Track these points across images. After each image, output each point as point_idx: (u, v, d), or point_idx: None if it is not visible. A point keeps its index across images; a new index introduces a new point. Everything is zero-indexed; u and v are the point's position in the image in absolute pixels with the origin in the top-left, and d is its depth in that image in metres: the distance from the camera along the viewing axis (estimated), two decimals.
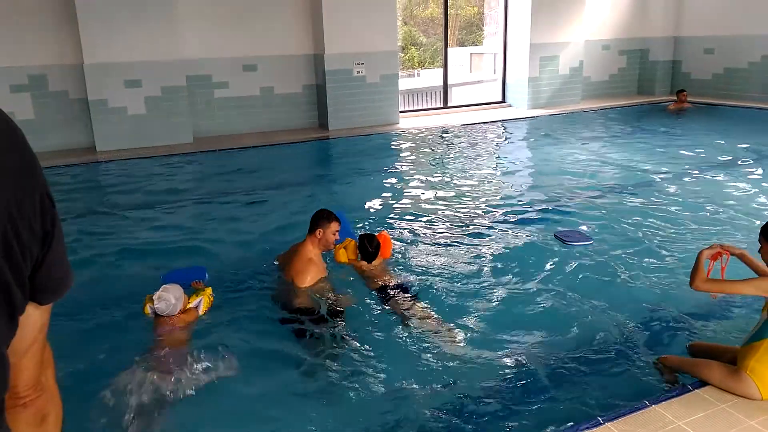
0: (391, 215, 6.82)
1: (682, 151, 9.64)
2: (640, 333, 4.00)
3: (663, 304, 4.43)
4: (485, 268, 5.13)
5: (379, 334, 4.11)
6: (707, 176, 8.11)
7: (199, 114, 11.09)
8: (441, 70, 14.43)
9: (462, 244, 5.78)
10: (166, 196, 7.85)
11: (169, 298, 3.99)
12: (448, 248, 5.67)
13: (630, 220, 6.27)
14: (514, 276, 4.95)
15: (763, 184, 7.58)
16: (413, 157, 10.06)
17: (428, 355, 3.83)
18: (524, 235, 5.95)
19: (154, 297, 3.99)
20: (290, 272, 4.47)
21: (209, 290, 4.29)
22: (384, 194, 7.75)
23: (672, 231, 5.97)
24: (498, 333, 4.07)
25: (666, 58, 15.60)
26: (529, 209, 6.85)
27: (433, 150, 10.66)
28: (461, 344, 3.92)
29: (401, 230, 6.25)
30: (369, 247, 4.70)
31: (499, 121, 12.89)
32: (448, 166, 9.29)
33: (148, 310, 4.02)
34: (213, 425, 3.33)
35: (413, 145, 10.99)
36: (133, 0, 9.86)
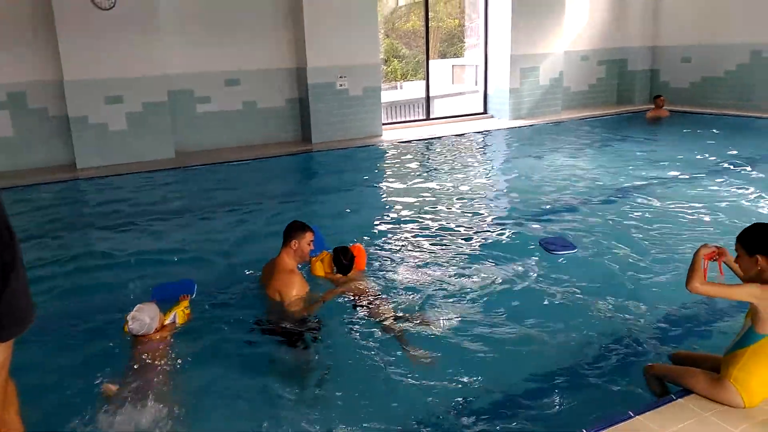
0: (375, 226, 6.82)
1: (663, 159, 9.75)
2: (624, 342, 4.03)
3: (647, 312, 4.46)
4: (468, 279, 5.14)
5: (357, 344, 4.11)
6: (687, 183, 8.22)
7: (181, 129, 11.03)
8: (423, 82, 14.51)
9: (446, 254, 5.79)
10: (149, 212, 7.78)
11: (143, 318, 3.96)
12: (432, 259, 5.68)
13: (613, 228, 6.33)
14: (497, 286, 4.96)
15: (743, 190, 7.70)
16: (396, 169, 10.08)
17: (405, 366, 3.83)
18: (508, 245, 5.98)
19: (128, 317, 3.95)
20: (275, 287, 4.43)
21: (185, 303, 4.25)
22: (367, 206, 7.75)
23: (655, 238, 6.04)
24: (477, 345, 4.06)
25: (644, 67, 15.83)
26: (513, 219, 6.89)
27: (416, 162, 10.69)
28: (428, 361, 3.90)
29: (385, 241, 6.25)
30: (343, 259, 4.74)
31: (481, 132, 12.98)
32: (431, 178, 9.32)
33: (127, 329, 3.98)
34: None
35: (396, 157, 11.02)
36: (113, 16, 9.81)
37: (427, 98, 14.44)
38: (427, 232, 6.53)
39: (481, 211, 7.41)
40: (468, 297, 4.80)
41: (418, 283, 5.07)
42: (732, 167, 9.02)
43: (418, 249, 6.03)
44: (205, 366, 3.91)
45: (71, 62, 9.73)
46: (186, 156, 10.82)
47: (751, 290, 2.98)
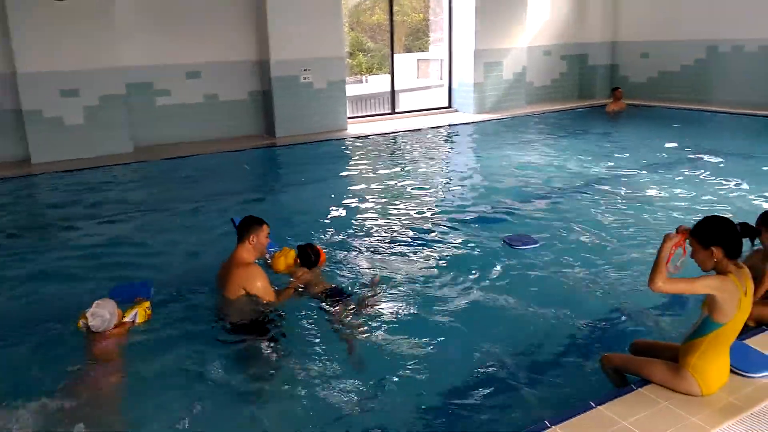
0: (338, 221, 6.78)
1: (622, 152, 9.94)
2: (586, 333, 4.09)
3: (608, 303, 4.54)
4: (432, 274, 5.15)
5: (322, 338, 4.11)
6: (647, 176, 8.37)
7: (140, 123, 10.77)
8: (388, 76, 14.47)
9: (409, 249, 5.79)
10: (106, 208, 7.58)
11: (103, 314, 3.88)
12: (396, 254, 5.67)
13: (575, 222, 6.40)
14: (460, 281, 4.97)
15: (702, 180, 7.89)
16: (361, 164, 10.04)
17: (369, 360, 3.82)
18: (472, 240, 6.00)
19: (87, 314, 3.85)
20: (237, 283, 4.31)
21: (147, 303, 4.16)
22: (331, 200, 7.69)
23: (616, 230, 6.14)
24: (440, 339, 4.08)
25: (604, 62, 16.08)
26: (477, 214, 6.92)
27: (380, 156, 10.66)
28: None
29: (348, 236, 6.21)
30: (312, 254, 4.74)
31: (446, 126, 13.02)
32: (396, 172, 9.31)
33: (80, 325, 3.86)
34: None
35: (361, 151, 10.98)
36: (68, 6, 9.51)
37: (392, 92, 14.42)
38: (391, 227, 6.52)
39: (445, 206, 7.43)
40: (429, 291, 4.81)
41: (379, 276, 5.05)
42: (691, 159, 9.23)
43: (382, 243, 6.01)
44: (164, 365, 3.83)
45: (24, 54, 9.42)
46: (145, 150, 10.58)
47: (709, 282, 3.03)
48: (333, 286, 4.74)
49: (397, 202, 7.53)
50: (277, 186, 9.05)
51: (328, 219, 6.90)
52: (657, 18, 14.90)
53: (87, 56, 9.85)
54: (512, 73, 14.62)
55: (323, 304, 4.49)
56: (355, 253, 5.69)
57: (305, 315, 4.42)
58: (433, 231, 6.37)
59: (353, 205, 7.56)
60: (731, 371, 3.24)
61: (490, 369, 3.71)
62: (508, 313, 4.42)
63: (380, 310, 4.49)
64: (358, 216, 7.01)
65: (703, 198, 7.20)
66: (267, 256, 4.81)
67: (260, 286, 4.30)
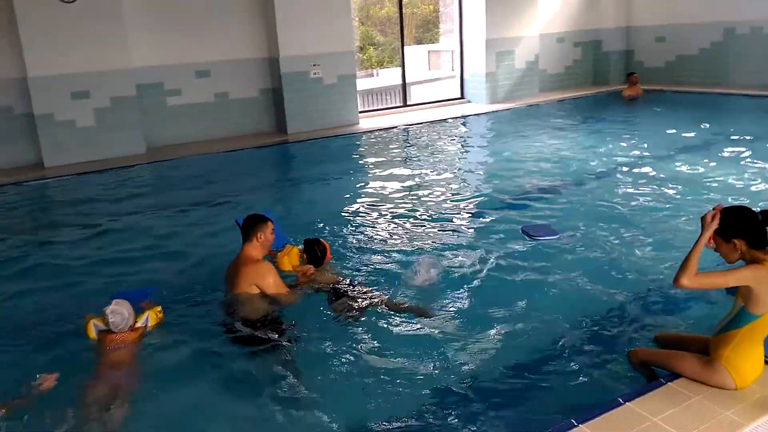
0: (354, 215, 6.68)
1: (642, 138, 9.72)
2: (610, 326, 3.94)
3: (632, 294, 4.38)
4: (451, 267, 5.01)
5: (336, 340, 3.99)
6: (668, 162, 8.17)
7: (152, 124, 10.75)
8: (399, 69, 14.33)
9: (427, 242, 5.67)
10: (119, 209, 7.54)
11: (123, 312, 3.85)
12: (413, 246, 5.56)
13: (596, 212, 6.24)
14: (479, 273, 4.85)
15: (724, 166, 7.67)
16: (374, 157, 9.92)
17: (388, 358, 3.71)
18: (489, 231, 5.87)
19: (107, 311, 3.79)
20: (248, 281, 4.22)
21: (158, 307, 4.09)
22: (346, 195, 7.60)
23: (638, 219, 5.96)
24: (461, 335, 3.95)
25: (619, 48, 15.81)
26: (495, 204, 6.78)
27: (394, 149, 10.54)
28: (433, 318, 4.01)
29: (365, 230, 6.13)
30: (318, 250, 4.64)
31: (459, 117, 12.85)
32: (410, 165, 9.19)
33: (92, 330, 3.80)
34: None
35: (374, 145, 10.86)
36: (76, 9, 9.48)
37: (404, 85, 14.27)
38: (407, 220, 6.40)
39: (461, 197, 7.29)
40: (450, 284, 4.68)
41: (398, 271, 4.94)
42: (712, 144, 9.01)
43: (399, 237, 5.91)
44: (180, 371, 3.75)
45: (34, 58, 9.41)
46: (158, 151, 10.55)
47: (743, 273, 2.89)
48: (342, 280, 4.65)
49: (412, 194, 7.41)
50: (291, 182, 8.96)
51: (343, 213, 6.82)
52: (671, 1, 14.60)
53: (96, 58, 9.82)
54: (525, 62, 14.40)
55: (334, 298, 4.41)
56: (372, 246, 5.60)
57: (316, 311, 4.34)
58: (450, 222, 6.25)
59: (368, 198, 7.46)
60: (765, 363, 3.10)
61: (511, 366, 3.58)
62: (527, 306, 4.28)
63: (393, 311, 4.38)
64: (374, 209, 6.90)
65: (733, 182, 6.99)
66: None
67: (272, 281, 4.24)
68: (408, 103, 14.32)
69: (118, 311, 3.82)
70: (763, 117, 11.02)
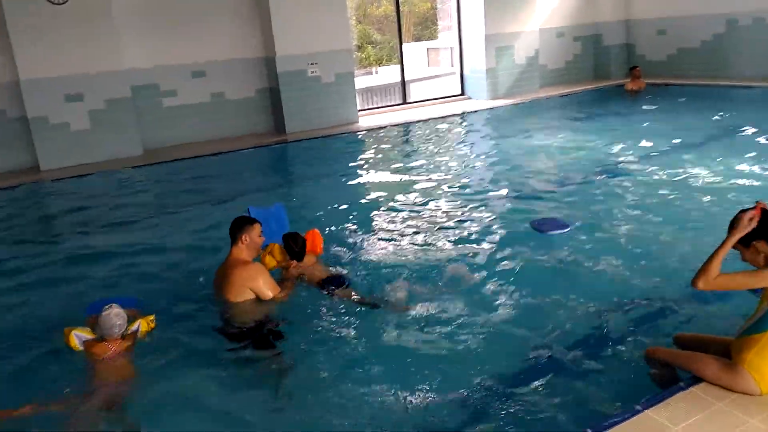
0: (356, 215, 6.53)
1: (647, 132, 9.53)
2: (625, 326, 3.76)
3: (647, 292, 4.21)
4: (456, 263, 4.86)
5: (327, 337, 3.90)
6: (676, 155, 7.99)
7: (148, 125, 10.58)
8: (398, 67, 14.16)
9: (434, 239, 5.52)
10: (116, 213, 7.39)
11: (123, 314, 3.66)
12: (419, 244, 5.42)
13: (605, 205, 6.08)
14: (487, 270, 4.69)
15: (731, 161, 7.49)
16: (374, 155, 9.76)
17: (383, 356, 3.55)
18: (498, 227, 5.70)
19: (107, 313, 3.62)
20: (241, 285, 4.12)
21: (151, 316, 3.91)
22: (346, 194, 7.45)
23: (651, 214, 5.78)
24: (467, 334, 3.80)
25: (619, 41, 15.62)
26: (500, 201, 6.62)
27: (394, 147, 10.37)
28: (410, 310, 4.04)
29: (367, 228, 5.99)
30: (294, 246, 4.53)
31: (460, 113, 12.67)
32: (412, 163, 9.02)
33: (74, 341, 3.61)
34: None
35: (374, 143, 10.69)
36: (67, 10, 9.32)
37: (403, 82, 14.10)
38: (410, 219, 6.24)
39: (465, 195, 7.11)
40: (450, 282, 4.52)
41: (404, 269, 4.78)
42: (719, 136, 8.83)
43: (403, 235, 5.75)
44: (173, 377, 3.60)
45: (26, 60, 9.25)
46: (154, 153, 10.39)
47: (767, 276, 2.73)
48: (332, 274, 4.60)
49: (415, 193, 7.24)
50: (291, 183, 8.81)
51: (344, 213, 6.67)
52: None
53: (89, 60, 9.65)
54: (525, 57, 14.22)
55: (323, 291, 4.38)
56: (378, 245, 5.47)
57: (309, 308, 4.24)
58: (455, 218, 6.09)
59: (369, 197, 7.32)
60: None
61: (519, 368, 3.41)
62: (536, 305, 4.11)
63: (398, 300, 4.23)
64: (376, 207, 6.76)
65: (745, 175, 6.80)
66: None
67: (263, 281, 4.18)
68: (408, 100, 14.15)
69: (121, 314, 3.67)
70: None
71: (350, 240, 5.72)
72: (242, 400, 3.42)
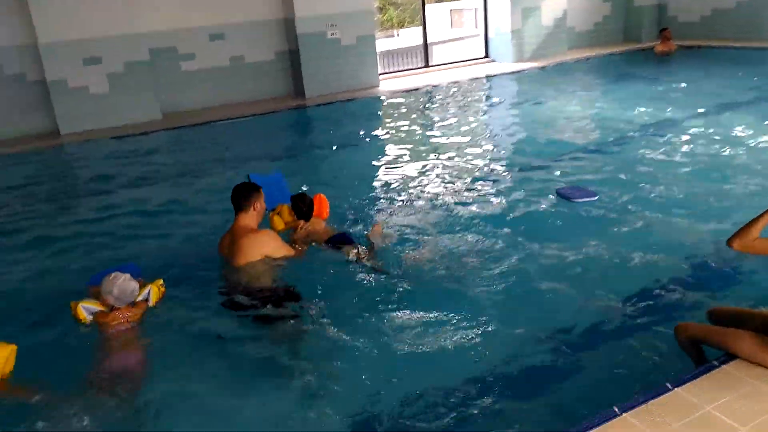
0: (377, 181, 6.40)
1: (678, 96, 9.18)
2: (655, 299, 3.59)
3: (679, 263, 4.02)
4: (483, 233, 4.72)
5: (339, 297, 3.86)
6: (708, 120, 7.67)
7: (166, 89, 10.47)
8: (420, 29, 13.80)
9: (457, 207, 5.37)
10: (134, 178, 7.34)
11: (128, 281, 3.56)
12: (442, 212, 5.27)
13: (635, 172, 5.85)
14: (513, 240, 4.53)
15: (766, 126, 7.17)
16: (395, 121, 9.55)
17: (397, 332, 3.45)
18: (523, 195, 5.51)
19: (115, 280, 3.53)
20: (253, 252, 4.04)
21: (160, 281, 3.82)
22: (367, 160, 7.31)
23: (682, 181, 5.55)
24: (492, 306, 3.66)
25: (651, 2, 15.01)
26: (526, 167, 6.41)
27: (416, 112, 10.14)
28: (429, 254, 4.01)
29: (388, 196, 5.86)
30: (302, 205, 4.54)
31: (484, 77, 12.34)
32: (434, 128, 8.82)
33: (83, 313, 3.52)
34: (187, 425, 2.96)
35: (395, 108, 10.47)
36: None
37: (425, 45, 13.75)
38: (434, 184, 6.08)
39: (488, 161, 6.92)
40: (474, 251, 4.39)
41: (427, 237, 4.65)
42: (754, 102, 8.46)
43: (426, 201, 5.60)
44: (187, 349, 3.53)
45: (44, 23, 9.16)
46: (173, 117, 10.30)
47: None
48: (339, 232, 4.59)
49: (437, 157, 7.07)
50: (309, 148, 8.67)
51: (362, 177, 6.56)
52: None
53: (107, 22, 9.53)
54: (552, 18, 13.75)
55: (329, 247, 4.38)
56: (400, 212, 5.34)
57: (319, 271, 4.18)
58: (478, 185, 5.92)
59: (388, 163, 7.15)
60: None
61: (544, 345, 3.27)
62: (562, 277, 3.95)
63: (418, 269, 4.11)
64: (393, 174, 6.61)
65: None
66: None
67: (277, 246, 4.15)
68: (430, 63, 13.82)
69: (129, 279, 3.58)
70: None
71: (366, 205, 5.60)
72: (253, 369, 3.35)
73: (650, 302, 3.59)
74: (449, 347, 3.30)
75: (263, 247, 4.07)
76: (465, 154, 7.18)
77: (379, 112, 10.38)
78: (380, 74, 12.24)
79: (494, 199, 5.50)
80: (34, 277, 4.72)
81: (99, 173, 7.71)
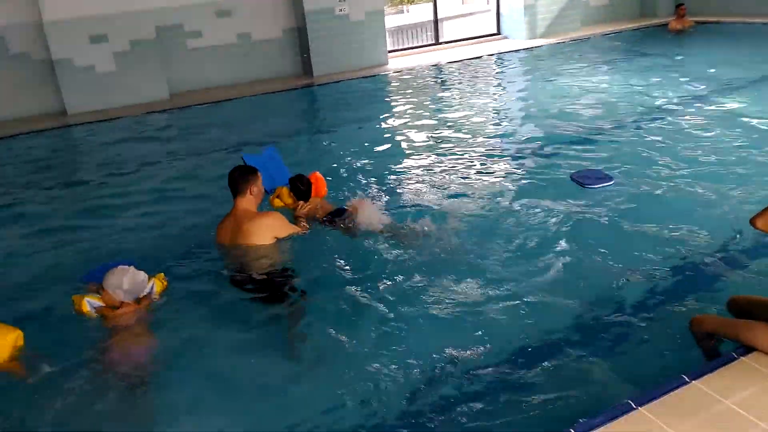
0: (386, 161, 6.29)
1: (696, 75, 8.91)
2: (672, 289, 3.46)
3: (698, 251, 3.87)
4: (493, 219, 4.60)
5: (342, 280, 3.83)
6: (725, 100, 7.45)
7: (173, 67, 10.36)
8: (431, 4, 13.54)
9: (467, 191, 5.24)
10: (142, 158, 7.27)
11: (136, 272, 3.49)
12: (452, 196, 5.13)
13: (651, 155, 5.66)
14: (524, 227, 4.39)
15: None
16: (404, 99, 9.38)
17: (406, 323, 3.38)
18: (536, 180, 5.35)
19: (126, 276, 3.46)
20: (259, 235, 3.99)
21: (161, 274, 3.76)
22: (375, 139, 7.18)
23: (703, 164, 5.35)
24: (503, 295, 3.55)
25: None
26: (538, 149, 6.22)
27: (426, 90, 9.96)
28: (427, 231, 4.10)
29: (397, 177, 5.75)
30: (300, 185, 4.58)
31: (496, 54, 12.10)
32: (444, 107, 8.66)
33: (87, 306, 3.44)
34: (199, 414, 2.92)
35: (404, 86, 10.29)
36: None
37: (435, 21, 13.50)
38: (444, 166, 5.95)
39: (500, 142, 6.76)
40: (482, 238, 4.27)
41: (435, 223, 4.54)
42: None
43: (435, 183, 5.48)
44: (195, 337, 3.45)
45: (49, 1, 9.02)
46: (181, 96, 10.21)
47: None
48: (336, 208, 4.60)
49: (445, 138, 6.92)
50: (317, 127, 8.56)
51: (370, 157, 6.46)
52: None
53: None
54: None
55: (327, 224, 4.44)
56: (409, 195, 5.25)
57: (321, 247, 4.18)
58: (489, 169, 5.77)
59: (397, 142, 7.03)
60: None
61: (555, 335, 3.16)
62: (575, 265, 3.82)
63: (424, 257, 4.02)
64: (402, 154, 6.50)
65: None
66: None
67: (283, 225, 4.15)
68: (440, 40, 13.58)
69: (135, 269, 3.51)
70: None
71: (374, 184, 5.50)
72: (262, 352, 3.31)
73: (666, 292, 3.46)
74: (465, 330, 3.25)
75: (272, 230, 4.05)
76: (475, 134, 7.02)
77: (388, 91, 10.22)
78: (389, 51, 12.04)
79: (502, 184, 5.35)
80: (30, 261, 4.67)
81: (105, 154, 7.66)
